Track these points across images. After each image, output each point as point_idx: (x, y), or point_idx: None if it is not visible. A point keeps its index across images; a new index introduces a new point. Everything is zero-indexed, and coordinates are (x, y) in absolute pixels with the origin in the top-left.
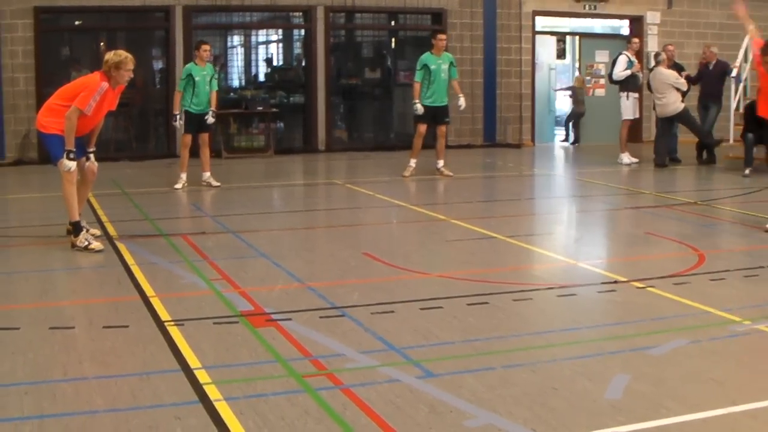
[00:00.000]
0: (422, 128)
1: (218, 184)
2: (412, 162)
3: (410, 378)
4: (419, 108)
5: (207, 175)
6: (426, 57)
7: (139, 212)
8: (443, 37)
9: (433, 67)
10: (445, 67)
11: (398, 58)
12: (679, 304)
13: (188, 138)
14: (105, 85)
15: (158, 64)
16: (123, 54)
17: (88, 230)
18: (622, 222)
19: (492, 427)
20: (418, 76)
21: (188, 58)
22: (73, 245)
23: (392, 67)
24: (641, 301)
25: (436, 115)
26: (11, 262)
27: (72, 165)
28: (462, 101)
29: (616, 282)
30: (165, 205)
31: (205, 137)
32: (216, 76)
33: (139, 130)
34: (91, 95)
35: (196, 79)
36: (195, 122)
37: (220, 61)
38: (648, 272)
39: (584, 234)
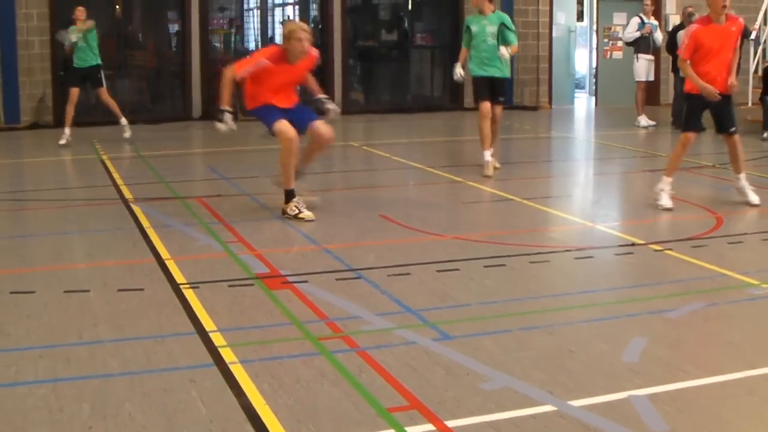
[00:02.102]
0: (484, 107)
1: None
2: (487, 155)
3: (426, 340)
4: (457, 72)
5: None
6: (469, 18)
7: (154, 175)
8: None
9: (474, 28)
10: (492, 29)
11: (415, 20)
12: (696, 267)
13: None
14: (263, 61)
15: (174, 27)
16: (291, 24)
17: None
18: (640, 185)
19: (508, 389)
20: (463, 42)
21: (204, 19)
22: (283, 212)
23: (409, 29)
24: (659, 263)
25: (491, 89)
26: (26, 225)
27: (222, 125)
28: (501, 52)
29: (633, 244)
30: (180, 167)
31: (99, 92)
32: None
33: (155, 93)
34: (248, 63)
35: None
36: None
37: (236, 23)
38: (665, 235)
39: (601, 196)
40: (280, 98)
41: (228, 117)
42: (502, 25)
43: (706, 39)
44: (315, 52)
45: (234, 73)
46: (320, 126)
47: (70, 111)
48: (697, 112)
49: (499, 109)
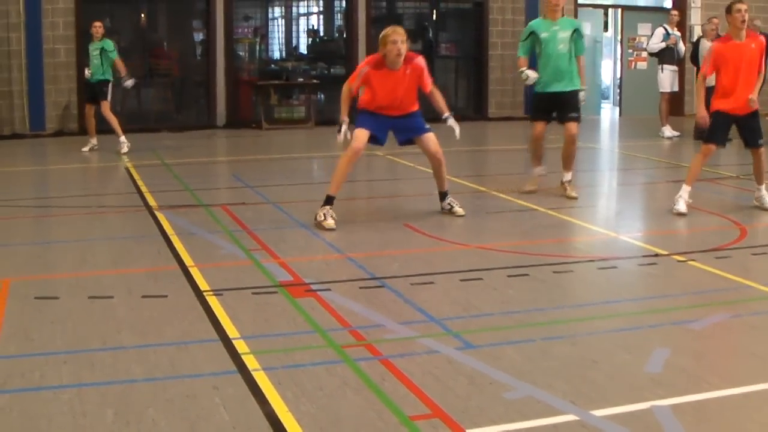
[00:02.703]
0: (538, 128)
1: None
2: (537, 170)
3: (449, 349)
4: (528, 74)
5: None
6: (535, 22)
7: (179, 183)
8: None
9: (544, 35)
10: (564, 35)
11: (439, 30)
12: (720, 278)
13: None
14: (365, 68)
15: (199, 36)
16: (386, 30)
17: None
18: (663, 195)
19: (531, 399)
20: (521, 50)
21: (229, 28)
22: (316, 217)
23: (433, 39)
24: (682, 274)
25: (557, 107)
26: (51, 231)
27: (340, 136)
28: (582, 95)
29: (656, 255)
30: (205, 175)
31: (101, 105)
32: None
33: (180, 101)
34: (356, 74)
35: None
36: (90, 91)
37: (261, 32)
38: (689, 246)
39: (625, 207)
40: (391, 107)
41: (344, 128)
42: (575, 32)
43: (728, 55)
44: (419, 60)
45: (349, 86)
46: (425, 141)
47: (89, 124)
48: (723, 127)
49: (573, 126)
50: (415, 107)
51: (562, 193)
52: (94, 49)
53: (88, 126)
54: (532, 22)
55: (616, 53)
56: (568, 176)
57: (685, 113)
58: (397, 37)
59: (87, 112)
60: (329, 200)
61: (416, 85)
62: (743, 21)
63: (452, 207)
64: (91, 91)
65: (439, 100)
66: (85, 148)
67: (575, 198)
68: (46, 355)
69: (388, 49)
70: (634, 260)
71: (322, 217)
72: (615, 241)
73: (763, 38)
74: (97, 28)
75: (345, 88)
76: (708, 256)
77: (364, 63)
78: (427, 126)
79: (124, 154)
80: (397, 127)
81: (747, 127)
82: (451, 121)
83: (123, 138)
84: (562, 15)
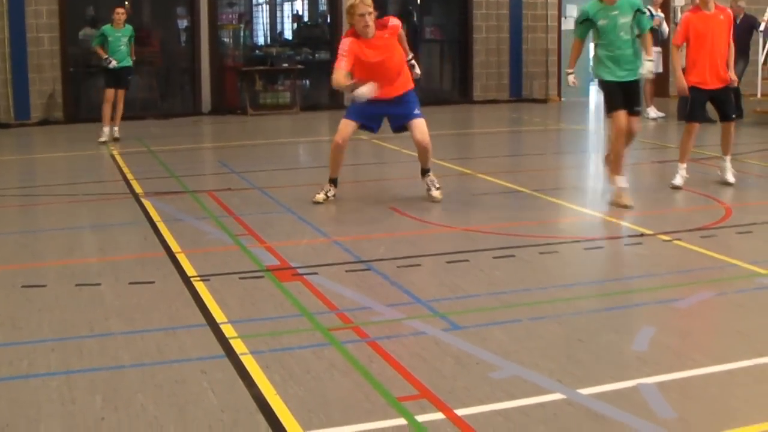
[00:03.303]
0: (620, 119)
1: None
2: (622, 181)
3: (436, 331)
4: (570, 80)
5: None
6: (590, 6)
7: (164, 169)
8: None
9: (602, 22)
10: (624, 20)
11: (424, 14)
12: (705, 257)
13: (110, 93)
14: (345, 42)
15: (183, 23)
16: (349, 0)
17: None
18: (649, 176)
19: (518, 378)
20: (576, 32)
21: (213, 14)
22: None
23: (418, 24)
24: (667, 253)
25: (625, 96)
26: (38, 220)
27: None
28: (646, 68)
29: (642, 235)
30: (191, 162)
31: (121, 93)
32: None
33: (165, 89)
34: (340, 55)
35: (110, 39)
36: (114, 77)
37: (246, 18)
38: (674, 225)
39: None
40: (384, 79)
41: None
42: (637, 12)
43: (698, 25)
44: (393, 21)
45: (338, 73)
46: (413, 127)
47: (107, 110)
48: (700, 103)
49: (636, 122)
50: (410, 85)
51: (615, 202)
52: (122, 36)
53: (105, 113)
54: (587, 6)
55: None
56: (623, 181)
57: (670, 94)
58: (363, 9)
59: (108, 97)
60: (331, 181)
61: (399, 46)
62: None
63: (429, 188)
64: (115, 78)
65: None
66: (103, 138)
67: (630, 207)
68: (34, 342)
69: (356, 21)
70: (619, 240)
71: (320, 193)
72: (600, 221)
73: (730, 11)
74: (121, 14)
75: (336, 77)
76: (693, 236)
77: (342, 42)
78: (417, 111)
79: (103, 142)
80: (391, 114)
81: (720, 100)
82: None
83: (116, 128)
84: None
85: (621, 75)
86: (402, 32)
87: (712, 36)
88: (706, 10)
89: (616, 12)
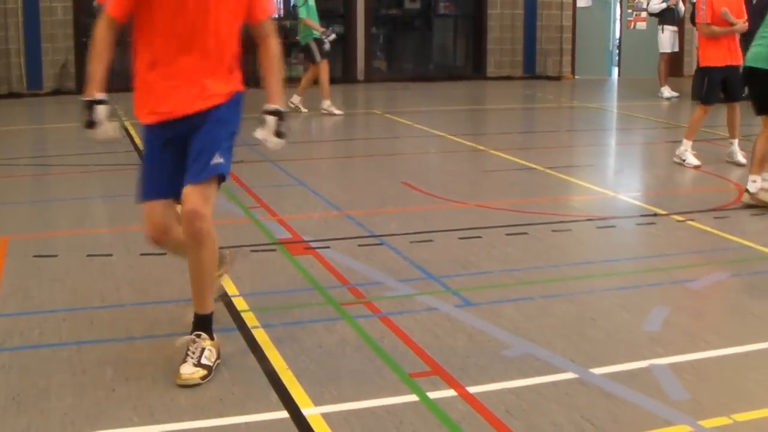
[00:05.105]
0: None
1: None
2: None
3: (449, 307)
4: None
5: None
6: None
7: None
8: None
9: None
10: None
11: None
12: (719, 238)
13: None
14: None
15: None
16: None
17: None
18: (662, 155)
19: (530, 356)
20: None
21: None
22: None
23: None
24: (681, 234)
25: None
26: (49, 190)
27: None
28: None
29: (655, 215)
30: None
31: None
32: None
33: None
34: None
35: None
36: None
37: None
38: (688, 206)
39: (624, 166)
40: (171, 72)
41: (97, 113)
42: None
43: (723, 3)
44: None
45: (105, 20)
46: (188, 194)
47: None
48: (718, 84)
49: (737, 106)
50: (229, 85)
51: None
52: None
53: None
54: None
55: (615, 13)
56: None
57: (684, 74)
58: None
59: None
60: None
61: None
62: None
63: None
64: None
65: (272, 78)
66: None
67: None
68: (45, 312)
69: None
70: (632, 219)
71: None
72: (613, 200)
73: None
74: None
75: (99, 31)
76: (707, 216)
77: None
78: (221, 157)
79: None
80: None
81: (732, 80)
82: (265, 133)
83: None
84: None
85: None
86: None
87: (737, 15)
88: None
89: None
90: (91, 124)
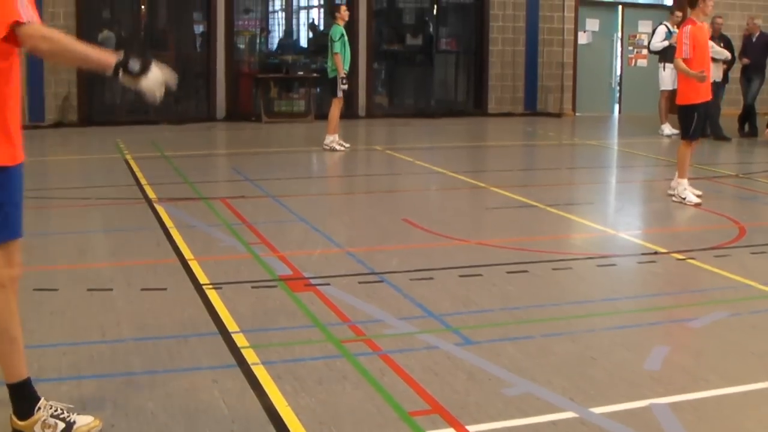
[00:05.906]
0: None
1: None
2: None
3: (449, 345)
4: None
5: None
6: None
7: (178, 175)
8: None
9: None
10: None
11: (440, 25)
12: (719, 277)
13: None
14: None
15: (199, 28)
16: None
17: None
18: (662, 193)
19: (530, 395)
20: None
21: (230, 20)
22: None
23: (434, 34)
24: (681, 272)
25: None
26: (50, 223)
27: None
28: None
29: (656, 253)
30: (204, 168)
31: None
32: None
33: (179, 93)
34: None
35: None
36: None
37: (262, 25)
38: (688, 244)
39: (624, 204)
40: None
41: None
42: None
43: (699, 37)
44: None
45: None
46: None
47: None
48: (703, 119)
49: None
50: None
51: None
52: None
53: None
54: None
55: (617, 50)
56: None
57: None
58: None
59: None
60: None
61: None
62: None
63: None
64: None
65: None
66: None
67: None
68: (45, 346)
69: None
70: (633, 258)
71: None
72: (614, 238)
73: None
74: (345, 11)
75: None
76: (707, 255)
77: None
78: None
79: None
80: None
81: (707, 114)
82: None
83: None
84: None
85: None
86: None
87: (706, 47)
88: (699, 22)
89: None
90: (145, 67)
